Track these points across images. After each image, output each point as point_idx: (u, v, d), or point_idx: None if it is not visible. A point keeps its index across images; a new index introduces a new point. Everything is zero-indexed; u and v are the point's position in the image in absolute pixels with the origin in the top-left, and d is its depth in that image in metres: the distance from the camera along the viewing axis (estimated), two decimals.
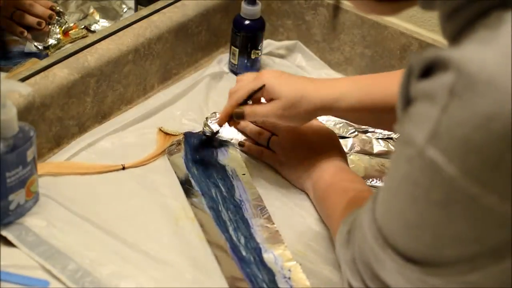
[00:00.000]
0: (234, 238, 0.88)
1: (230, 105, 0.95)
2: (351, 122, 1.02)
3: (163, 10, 1.13)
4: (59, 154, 0.97)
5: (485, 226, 0.56)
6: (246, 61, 1.15)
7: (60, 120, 0.98)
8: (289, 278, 0.84)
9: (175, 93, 1.10)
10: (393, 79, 0.82)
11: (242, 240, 0.88)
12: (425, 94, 0.56)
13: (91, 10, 1.20)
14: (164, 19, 1.12)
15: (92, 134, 1.01)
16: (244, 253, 0.86)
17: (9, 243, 0.83)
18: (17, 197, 0.85)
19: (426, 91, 0.56)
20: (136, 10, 1.21)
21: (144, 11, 1.13)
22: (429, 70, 0.57)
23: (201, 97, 1.10)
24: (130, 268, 0.82)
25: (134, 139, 1.02)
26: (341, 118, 1.02)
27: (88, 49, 1.02)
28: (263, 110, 0.93)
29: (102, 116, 1.05)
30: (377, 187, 0.93)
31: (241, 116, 0.94)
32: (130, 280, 0.81)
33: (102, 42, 1.04)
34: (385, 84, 0.89)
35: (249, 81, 0.95)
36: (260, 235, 0.89)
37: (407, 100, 0.59)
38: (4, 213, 0.84)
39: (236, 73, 1.16)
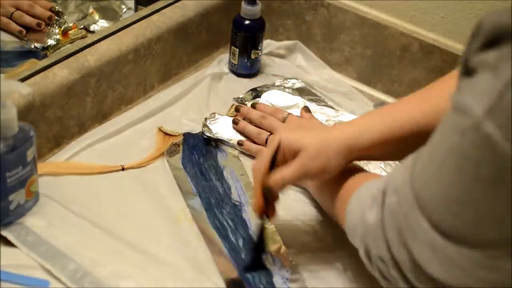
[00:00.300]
0: (233, 240, 0.87)
1: (258, 182, 0.83)
2: (379, 158, 0.91)
3: (163, 10, 1.13)
4: (59, 154, 0.97)
5: None
6: (246, 61, 1.15)
7: (60, 120, 0.98)
8: (287, 279, 0.84)
9: (175, 93, 1.10)
10: (419, 100, 0.81)
11: (241, 242, 0.87)
12: (489, 65, 0.53)
13: (91, 10, 1.20)
14: (164, 19, 1.12)
15: (92, 134, 1.01)
16: (243, 256, 0.86)
17: (9, 243, 0.83)
18: (17, 197, 0.84)
19: (491, 62, 0.53)
20: (136, 10, 1.21)
21: (144, 11, 1.13)
22: (496, 38, 0.53)
23: (201, 97, 1.10)
24: (130, 268, 0.82)
25: (134, 140, 1.02)
26: (372, 156, 0.87)
27: (88, 49, 1.02)
28: (291, 171, 0.82)
29: (102, 116, 1.05)
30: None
31: (272, 192, 0.83)
32: (130, 280, 0.81)
33: (102, 42, 1.04)
34: (411, 106, 0.82)
35: (263, 146, 0.97)
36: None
37: (468, 67, 0.56)
38: (4, 213, 0.84)
39: (236, 73, 1.16)
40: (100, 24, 1.19)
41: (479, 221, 0.56)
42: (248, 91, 1.12)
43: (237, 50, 1.15)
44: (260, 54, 1.16)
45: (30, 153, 0.84)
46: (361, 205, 0.73)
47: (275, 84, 1.14)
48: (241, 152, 1.02)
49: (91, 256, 0.82)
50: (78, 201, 0.90)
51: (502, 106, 0.51)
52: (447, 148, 0.56)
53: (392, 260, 0.66)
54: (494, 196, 0.54)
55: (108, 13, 1.21)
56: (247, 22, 1.14)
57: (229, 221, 0.90)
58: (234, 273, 0.84)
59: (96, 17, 1.20)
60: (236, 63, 1.16)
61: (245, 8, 1.13)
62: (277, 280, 0.83)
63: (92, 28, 1.18)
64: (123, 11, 1.22)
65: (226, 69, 1.17)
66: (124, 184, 0.94)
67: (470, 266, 0.59)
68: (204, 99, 1.10)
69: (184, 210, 0.92)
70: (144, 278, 0.82)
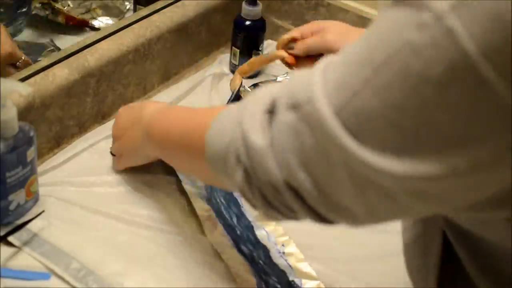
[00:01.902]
0: (227, 217, 0.87)
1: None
2: None
3: (163, 10, 1.13)
4: (59, 154, 0.97)
5: (483, 123, 0.48)
6: (247, 61, 1.15)
7: (60, 120, 0.98)
8: (283, 252, 0.84)
9: (176, 94, 1.10)
10: None
11: (235, 219, 0.87)
12: None
13: (94, 6, 1.21)
14: (164, 19, 1.12)
15: (93, 134, 1.01)
16: (238, 232, 0.86)
17: (9, 243, 0.83)
18: (17, 197, 0.84)
19: None
20: (135, 10, 1.21)
21: (144, 11, 1.13)
22: None
23: (202, 98, 1.10)
24: (134, 267, 0.82)
25: None
26: None
27: (88, 49, 1.02)
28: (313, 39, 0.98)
29: (102, 116, 1.05)
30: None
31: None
32: (134, 278, 0.81)
33: (102, 42, 1.04)
34: None
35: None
36: (250, 213, 0.89)
37: None
38: (4, 213, 0.84)
39: None
40: (105, 21, 1.20)
41: (420, 130, 0.50)
42: (250, 86, 1.12)
43: (238, 50, 1.15)
44: (261, 54, 1.16)
45: (30, 153, 0.83)
46: (231, 126, 0.62)
47: (277, 80, 1.14)
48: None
49: (93, 255, 0.82)
50: (78, 201, 0.90)
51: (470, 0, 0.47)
52: (390, 48, 0.50)
53: (287, 188, 0.57)
54: (442, 100, 0.48)
55: (112, 11, 1.22)
56: (248, 22, 1.14)
57: (222, 200, 0.90)
58: (234, 255, 0.83)
59: (99, 13, 1.21)
60: (237, 63, 1.16)
61: (246, 8, 1.13)
62: (274, 254, 0.84)
63: (95, 23, 1.20)
64: (126, 8, 1.23)
65: (226, 70, 1.17)
66: (125, 183, 0.94)
67: (396, 189, 0.52)
68: (205, 100, 1.10)
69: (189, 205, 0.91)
70: (148, 277, 0.82)
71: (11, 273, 0.79)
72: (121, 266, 0.82)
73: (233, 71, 1.17)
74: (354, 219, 0.57)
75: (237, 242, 0.84)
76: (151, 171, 0.97)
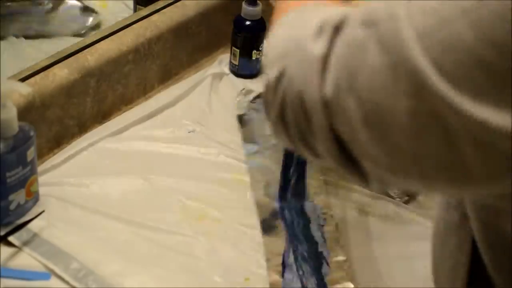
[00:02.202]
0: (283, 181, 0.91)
1: None
2: None
3: (163, 10, 1.13)
4: (59, 154, 0.97)
5: None
6: (247, 61, 1.15)
7: (60, 120, 0.98)
8: (322, 225, 0.88)
9: (176, 94, 1.10)
10: None
11: (293, 181, 0.91)
12: None
13: None
14: (164, 19, 1.12)
15: (93, 134, 1.01)
16: (288, 198, 0.90)
17: (9, 243, 0.83)
18: (17, 197, 0.84)
19: None
20: (135, 10, 1.21)
21: (144, 11, 1.13)
22: None
23: (202, 98, 1.10)
24: (134, 267, 0.82)
25: (135, 140, 1.01)
26: None
27: (88, 49, 1.02)
28: None
29: (102, 116, 1.05)
30: None
31: None
32: (134, 278, 0.81)
33: (102, 42, 1.04)
34: None
35: None
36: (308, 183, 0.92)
37: None
38: (4, 213, 0.84)
39: (237, 74, 1.16)
40: None
41: None
42: (252, 100, 1.12)
43: (238, 50, 1.15)
44: (261, 54, 1.16)
45: (30, 153, 0.83)
46: (298, 30, 0.57)
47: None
48: None
49: (93, 255, 0.82)
50: (79, 201, 0.90)
51: None
52: None
53: (323, 108, 0.51)
54: None
55: None
56: (248, 22, 1.14)
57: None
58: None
59: None
60: (237, 63, 1.16)
61: (246, 8, 1.13)
62: (313, 226, 0.87)
63: None
64: None
65: (226, 70, 1.17)
66: (127, 183, 0.94)
67: (463, 134, 0.47)
68: (205, 100, 1.10)
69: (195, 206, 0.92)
70: (148, 277, 0.82)
71: (11, 273, 0.79)
72: (121, 266, 0.82)
73: (233, 71, 1.17)
74: (393, 172, 0.50)
75: (282, 208, 0.87)
76: (151, 171, 0.97)
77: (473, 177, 0.48)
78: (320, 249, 0.86)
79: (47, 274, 0.80)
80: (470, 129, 0.46)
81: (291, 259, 0.84)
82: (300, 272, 0.83)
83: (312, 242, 0.86)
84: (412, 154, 0.48)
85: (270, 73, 0.56)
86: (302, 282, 0.82)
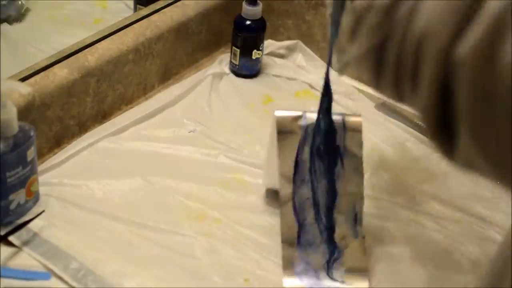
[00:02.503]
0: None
1: None
2: None
3: (163, 10, 1.13)
4: (59, 154, 0.97)
5: None
6: (247, 61, 1.15)
7: (60, 119, 0.98)
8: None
9: (176, 93, 1.10)
10: None
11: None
12: None
13: None
14: (164, 19, 1.12)
15: (93, 134, 1.01)
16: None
17: (9, 243, 0.83)
18: (17, 197, 0.84)
19: None
20: (135, 10, 1.21)
21: (144, 11, 1.13)
22: None
23: (202, 97, 1.10)
24: (133, 267, 0.82)
25: (135, 140, 1.02)
26: None
27: (88, 49, 1.02)
28: None
29: (103, 116, 1.05)
30: None
31: None
32: (133, 279, 0.81)
33: (102, 42, 1.04)
34: None
35: None
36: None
37: None
38: (4, 213, 0.84)
39: (237, 74, 1.16)
40: None
41: None
42: None
43: (238, 50, 1.15)
44: (261, 54, 1.16)
45: (30, 153, 0.83)
46: None
47: None
48: None
49: (93, 255, 0.82)
50: (79, 201, 0.90)
51: None
52: None
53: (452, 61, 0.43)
54: None
55: None
56: (248, 22, 1.14)
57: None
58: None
59: None
60: (237, 63, 1.16)
61: (246, 8, 1.13)
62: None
63: None
64: None
65: (227, 69, 1.17)
66: (125, 183, 0.94)
67: None
68: (205, 100, 1.10)
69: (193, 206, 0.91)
70: (147, 277, 0.82)
71: (11, 273, 0.79)
72: (120, 266, 0.82)
73: (233, 71, 1.17)
74: (494, 165, 0.43)
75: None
76: (151, 171, 0.97)
77: None
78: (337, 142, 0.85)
79: (47, 274, 0.80)
80: None
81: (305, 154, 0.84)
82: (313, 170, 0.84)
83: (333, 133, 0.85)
84: None
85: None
86: (312, 185, 0.83)
